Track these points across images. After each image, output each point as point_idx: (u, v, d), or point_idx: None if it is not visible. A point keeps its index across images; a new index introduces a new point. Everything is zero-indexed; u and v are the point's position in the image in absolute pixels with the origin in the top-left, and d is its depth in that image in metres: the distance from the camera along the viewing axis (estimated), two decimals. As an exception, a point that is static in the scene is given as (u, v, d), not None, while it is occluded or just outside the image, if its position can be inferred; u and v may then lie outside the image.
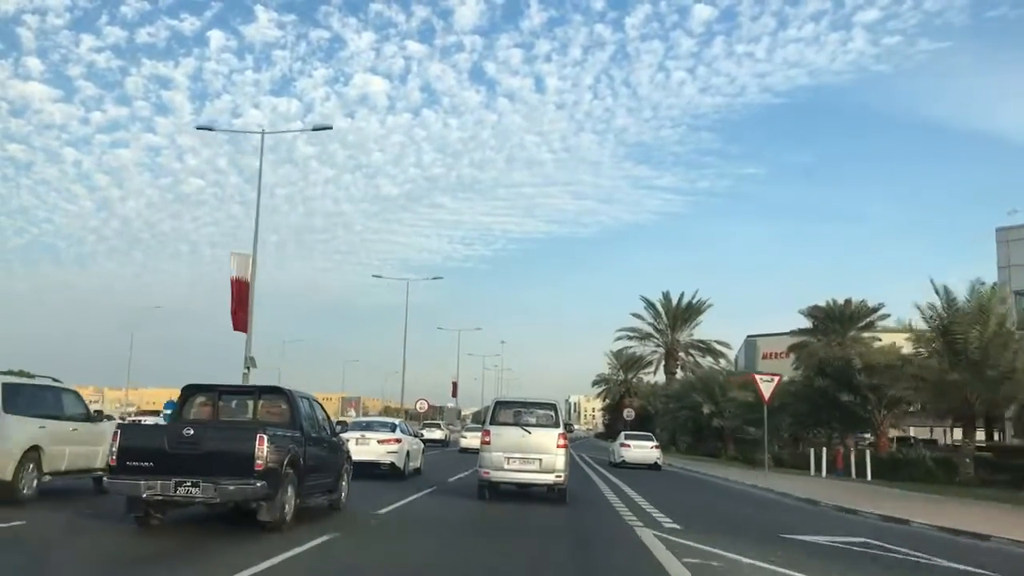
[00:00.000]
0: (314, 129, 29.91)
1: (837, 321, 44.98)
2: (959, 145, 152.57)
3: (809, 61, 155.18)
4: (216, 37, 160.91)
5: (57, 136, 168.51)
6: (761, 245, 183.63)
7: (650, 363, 65.85)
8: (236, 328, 25.19)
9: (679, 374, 60.28)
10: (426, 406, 55.04)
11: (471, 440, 36.73)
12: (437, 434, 47.22)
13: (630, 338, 64.20)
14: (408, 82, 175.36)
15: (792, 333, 49.23)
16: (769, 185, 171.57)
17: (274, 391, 11.52)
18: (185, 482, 9.13)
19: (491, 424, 15.56)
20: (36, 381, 13.01)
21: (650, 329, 62.42)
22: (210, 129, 32.45)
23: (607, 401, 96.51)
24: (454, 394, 79.35)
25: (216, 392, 11.40)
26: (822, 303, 46.28)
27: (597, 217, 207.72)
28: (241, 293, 25.03)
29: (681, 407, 51.55)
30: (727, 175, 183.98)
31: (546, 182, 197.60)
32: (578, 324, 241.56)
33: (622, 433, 37.58)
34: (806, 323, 47.57)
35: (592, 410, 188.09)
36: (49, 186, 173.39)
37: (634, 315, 62.69)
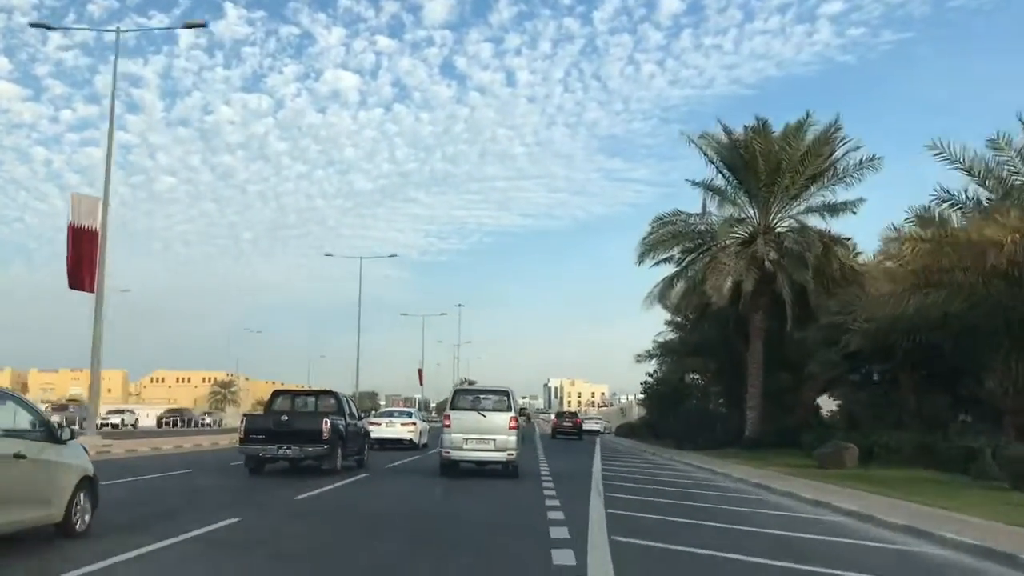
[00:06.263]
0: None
1: None
2: (922, 135, 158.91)
3: (776, 53, 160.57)
4: (185, 34, 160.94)
5: (27, 135, 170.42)
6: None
7: None
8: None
9: None
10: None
11: None
12: None
13: None
14: (379, 77, 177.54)
15: None
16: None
17: (328, 393, 18.94)
18: (283, 446, 16.41)
19: (451, 409, 16.95)
20: None
21: None
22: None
23: (682, 314, 39.74)
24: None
25: (292, 394, 18.81)
26: None
27: (570, 210, 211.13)
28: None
29: None
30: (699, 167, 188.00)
31: (519, 175, 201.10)
32: (553, 314, 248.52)
33: None
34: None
35: (578, 395, 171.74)
36: (19, 185, 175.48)
37: None
